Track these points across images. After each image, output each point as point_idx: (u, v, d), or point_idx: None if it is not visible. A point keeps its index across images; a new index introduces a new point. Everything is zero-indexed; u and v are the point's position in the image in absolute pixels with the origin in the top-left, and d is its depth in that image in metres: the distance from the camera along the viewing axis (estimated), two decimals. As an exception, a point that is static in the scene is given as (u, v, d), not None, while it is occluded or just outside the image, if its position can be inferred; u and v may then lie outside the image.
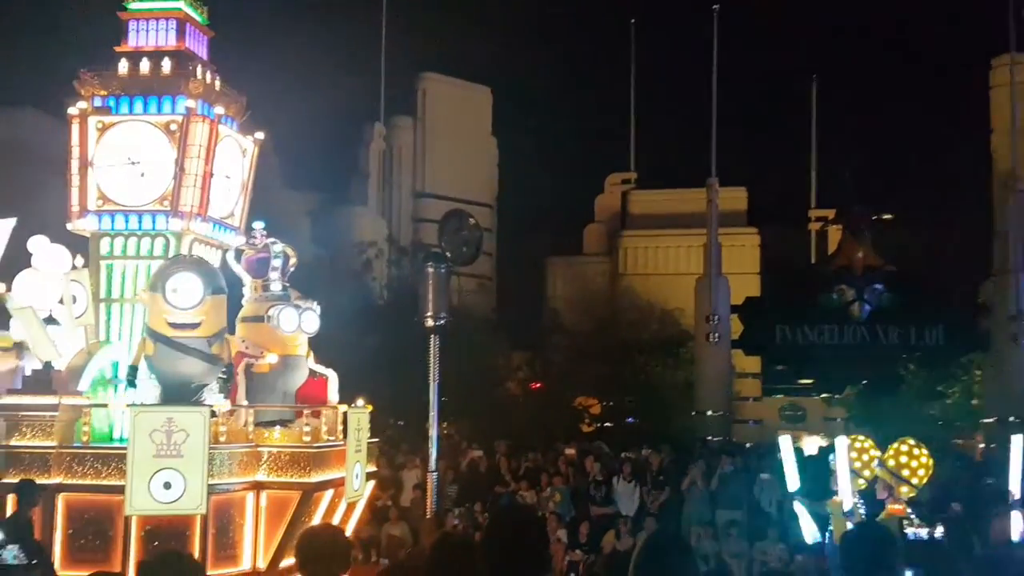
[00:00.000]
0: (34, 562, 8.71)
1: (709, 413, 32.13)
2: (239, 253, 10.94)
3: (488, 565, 4.18)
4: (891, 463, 10.41)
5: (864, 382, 32.57)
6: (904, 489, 10.33)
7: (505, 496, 18.50)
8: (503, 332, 33.71)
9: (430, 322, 14.77)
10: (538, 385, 34.96)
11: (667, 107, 40.25)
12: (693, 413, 32.25)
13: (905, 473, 10.37)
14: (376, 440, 11.74)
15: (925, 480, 10.57)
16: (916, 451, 10.51)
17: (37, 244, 10.56)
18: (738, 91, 37.55)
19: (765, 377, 37.63)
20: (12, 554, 8.69)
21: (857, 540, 4.90)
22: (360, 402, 11.32)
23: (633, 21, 39.06)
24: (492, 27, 39.59)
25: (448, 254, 18.73)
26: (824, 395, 35.43)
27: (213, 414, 9.52)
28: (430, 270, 16.00)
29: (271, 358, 10.40)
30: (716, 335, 32.07)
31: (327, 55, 31.40)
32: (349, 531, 11.51)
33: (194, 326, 9.75)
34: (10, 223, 11.00)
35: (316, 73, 30.80)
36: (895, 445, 10.63)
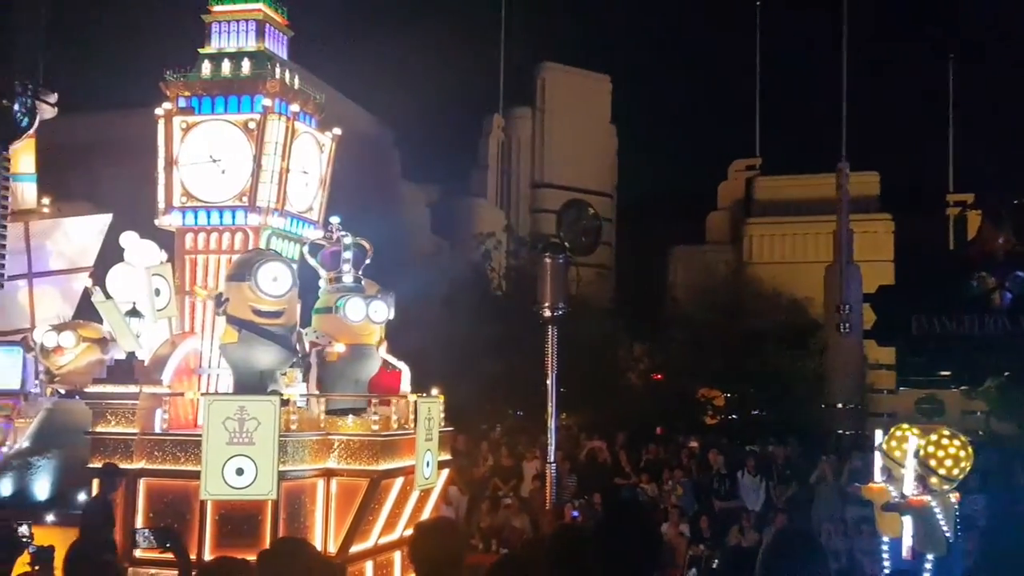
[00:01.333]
0: (168, 545, 9.08)
1: (840, 406, 31.22)
2: (315, 247, 11.22)
3: (601, 558, 4.20)
4: (921, 454, 10.05)
5: (1006, 373, 30.91)
6: (934, 480, 9.92)
7: (626, 489, 18.41)
8: (623, 322, 33.50)
9: (548, 312, 14.76)
10: (659, 376, 34.62)
11: (794, 90, 39.11)
12: (823, 406, 31.33)
13: (932, 463, 9.97)
14: (450, 429, 11.83)
15: (956, 471, 10.07)
16: (946, 441, 10.08)
17: (128, 240, 11.12)
18: (869, 71, 36.16)
19: (900, 368, 36.27)
20: (143, 535, 9.13)
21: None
22: (434, 392, 11.47)
23: (759, 2, 38.11)
24: (612, 14, 39.31)
25: (566, 244, 18.65)
26: (963, 387, 33.83)
27: (284, 403, 9.80)
28: (548, 260, 15.97)
29: (339, 347, 10.63)
30: (847, 325, 31.16)
31: (446, 48, 31.81)
32: (427, 515, 11.74)
33: (278, 314, 10.10)
34: (106, 219, 11.59)
35: (435, 67, 31.27)
36: (930, 435, 10.27)
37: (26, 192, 12.67)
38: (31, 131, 6.80)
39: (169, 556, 9.08)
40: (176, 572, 9.06)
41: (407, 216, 31.86)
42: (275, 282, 9.87)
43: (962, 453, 10.06)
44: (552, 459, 16.65)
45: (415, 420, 10.85)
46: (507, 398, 29.36)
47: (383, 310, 10.91)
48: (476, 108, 36.65)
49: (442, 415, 11.52)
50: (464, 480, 18.56)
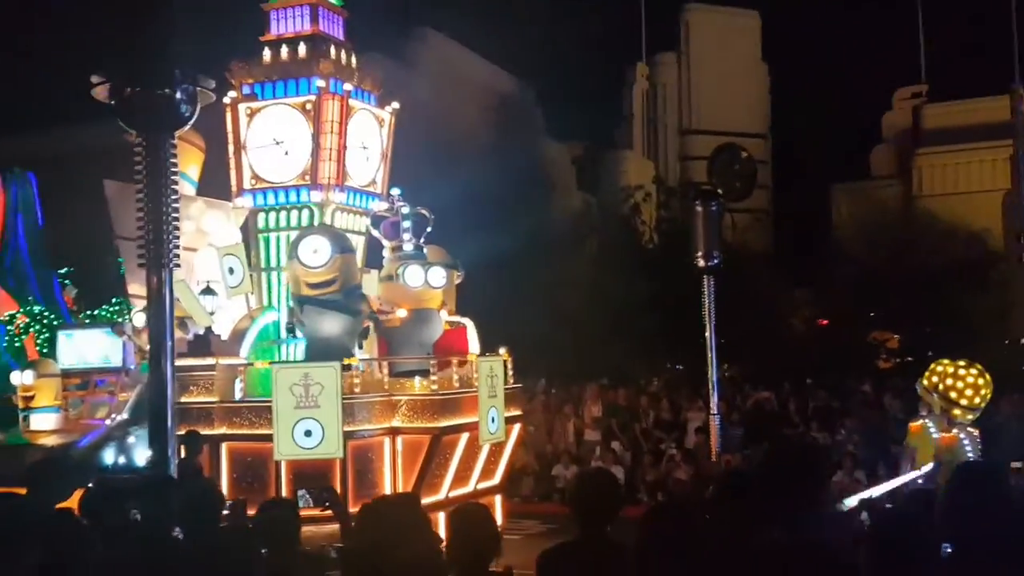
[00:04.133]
0: (327, 504, 9.75)
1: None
2: (377, 219, 11.72)
3: (765, 498, 4.23)
4: (940, 387, 9.53)
5: None
6: (956, 412, 9.40)
7: (795, 437, 18.10)
8: (783, 268, 32.63)
9: (702, 262, 14.70)
10: (825, 322, 33.48)
11: (959, 9, 36.35)
12: (1006, 342, 29.54)
13: (952, 395, 9.47)
14: (518, 386, 12.11)
15: (977, 399, 9.46)
16: (963, 371, 9.55)
17: (212, 223, 11.98)
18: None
19: (1091, 297, 33.38)
20: (303, 497, 9.85)
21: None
22: (501, 351, 11.79)
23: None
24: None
25: (719, 190, 18.47)
26: None
27: (346, 368, 10.38)
28: (700, 208, 15.87)
29: (400, 313, 11.10)
30: (1030, 255, 29.28)
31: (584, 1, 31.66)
32: (500, 472, 12.13)
33: (329, 283, 10.67)
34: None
35: (573, 20, 31.20)
36: (947, 368, 9.64)
37: (185, 190, 13.60)
38: (193, 119, 7.40)
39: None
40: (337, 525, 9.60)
41: (552, 174, 32.14)
42: (315, 254, 10.45)
43: (980, 380, 9.60)
44: (715, 410, 16.62)
45: (477, 378, 11.18)
46: (665, 352, 29.26)
47: (441, 275, 11.28)
48: (617, 58, 36.41)
49: (510, 372, 11.82)
50: (626, 435, 18.79)
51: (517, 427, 12.09)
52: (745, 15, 37.83)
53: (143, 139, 6.99)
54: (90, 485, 5.67)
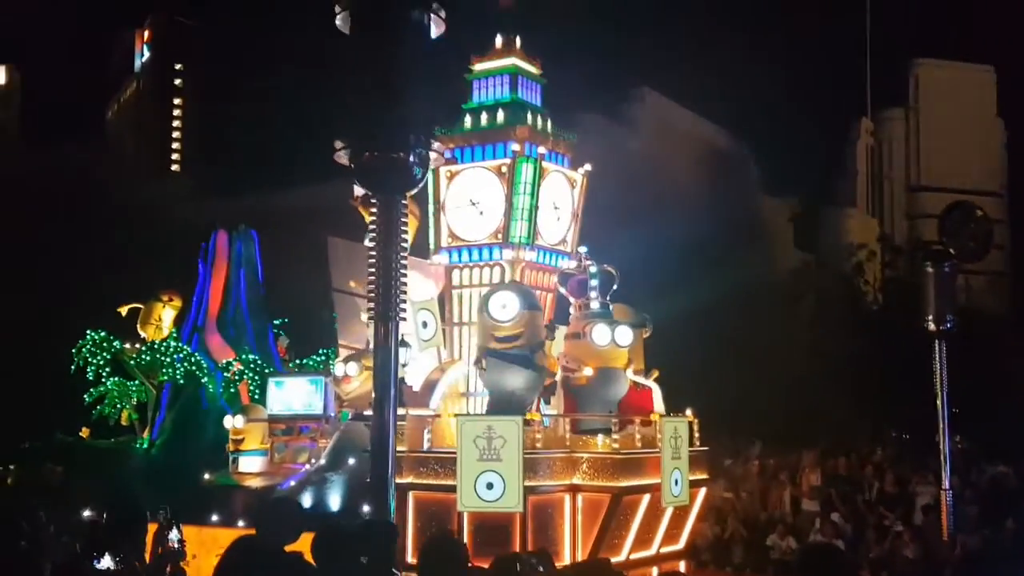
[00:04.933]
0: (541, 569, 10.02)
1: None
2: (564, 277, 11.95)
3: None
4: None
5: None
6: None
7: None
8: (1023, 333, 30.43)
9: (933, 326, 14.18)
10: (1075, 393, 30.70)
11: None
12: None
13: None
14: (704, 448, 11.88)
15: None
16: None
17: (409, 278, 12.59)
18: None
19: None
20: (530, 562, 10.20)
21: None
22: (687, 412, 11.65)
23: None
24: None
25: (952, 250, 17.64)
26: None
27: (527, 423, 10.59)
28: (931, 269, 15.34)
29: (586, 371, 11.21)
30: None
31: (802, 56, 31.09)
32: (684, 537, 11.89)
33: (515, 338, 10.96)
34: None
35: (792, 76, 30.72)
36: None
37: None
38: (424, 180, 7.88)
39: None
40: None
41: (768, 231, 31.48)
42: (504, 309, 10.78)
43: None
44: (947, 485, 15.66)
45: (661, 439, 11.09)
46: (887, 419, 27.90)
47: (629, 334, 11.33)
48: (838, 114, 35.34)
49: (695, 434, 11.65)
50: (848, 507, 17.95)
51: (703, 491, 11.84)
52: (979, 69, 35.83)
53: (378, 199, 7.27)
54: (319, 529, 5.86)
